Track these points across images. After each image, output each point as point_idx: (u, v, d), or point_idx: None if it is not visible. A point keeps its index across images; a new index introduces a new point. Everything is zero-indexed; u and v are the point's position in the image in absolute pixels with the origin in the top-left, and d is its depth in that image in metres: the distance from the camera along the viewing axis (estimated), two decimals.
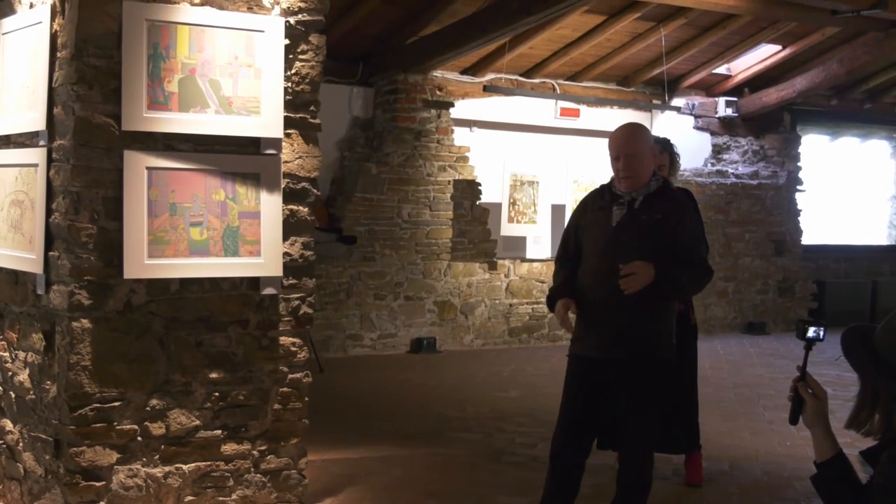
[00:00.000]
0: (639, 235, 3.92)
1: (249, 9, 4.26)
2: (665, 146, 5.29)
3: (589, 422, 4.03)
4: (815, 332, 2.54)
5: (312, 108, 4.47)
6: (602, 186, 4.17)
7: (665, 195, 4.05)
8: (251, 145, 4.30)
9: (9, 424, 4.52)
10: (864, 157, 13.83)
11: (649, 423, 3.98)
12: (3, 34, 4.52)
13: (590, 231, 4.07)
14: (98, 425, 4.05)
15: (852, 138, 13.47)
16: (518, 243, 10.71)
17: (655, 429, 4.03)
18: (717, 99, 11.65)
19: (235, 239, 4.26)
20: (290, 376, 4.46)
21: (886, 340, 2.25)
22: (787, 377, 2.82)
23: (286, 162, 4.40)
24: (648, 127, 10.97)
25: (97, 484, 4.06)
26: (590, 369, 4.00)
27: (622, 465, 4.05)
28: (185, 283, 4.21)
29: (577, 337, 4.09)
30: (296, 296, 4.46)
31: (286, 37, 4.32)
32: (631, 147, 3.99)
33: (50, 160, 4.14)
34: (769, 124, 12.03)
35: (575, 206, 4.41)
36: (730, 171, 11.83)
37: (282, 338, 4.43)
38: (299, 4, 4.38)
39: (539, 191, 10.45)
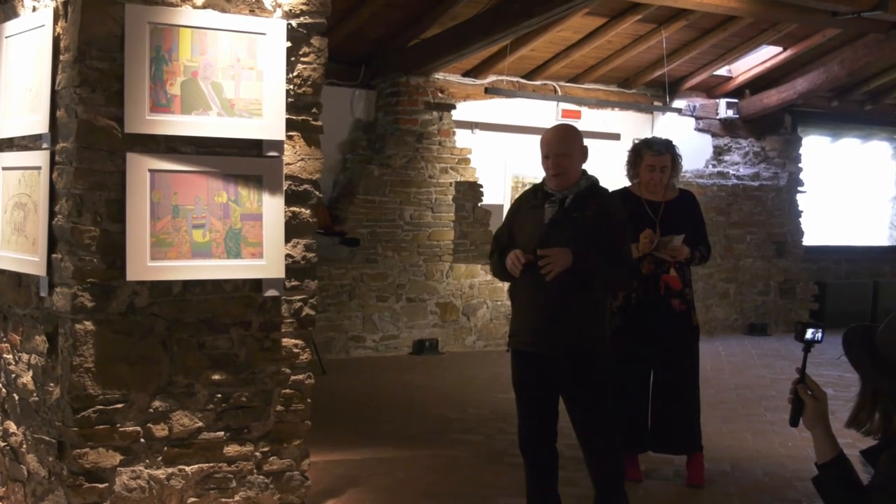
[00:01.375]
0: (570, 231, 4.03)
1: (251, 11, 4.27)
2: (667, 148, 5.32)
3: (544, 410, 4.17)
4: (813, 333, 2.54)
5: (314, 110, 4.48)
6: (535, 186, 4.30)
7: (595, 194, 4.17)
8: (253, 147, 4.31)
9: (12, 426, 4.53)
10: (865, 158, 13.81)
11: (600, 414, 4.08)
12: (6, 37, 4.53)
13: (523, 228, 4.18)
14: (101, 427, 4.06)
15: (853, 140, 13.45)
16: None
17: (610, 418, 4.11)
18: (717, 100, 11.64)
19: (238, 241, 4.27)
20: (293, 378, 4.47)
21: (887, 340, 2.26)
22: (788, 378, 2.83)
23: (288, 164, 4.41)
24: (651, 128, 11.09)
25: (100, 485, 4.07)
26: (529, 362, 4.13)
27: (590, 464, 4.15)
28: (188, 284, 4.22)
29: (513, 331, 4.24)
30: (298, 297, 4.47)
31: (288, 39, 4.33)
32: (561, 147, 4.14)
33: (53, 163, 4.15)
34: (770, 126, 12.02)
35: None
36: (731, 172, 11.83)
37: (284, 339, 4.44)
38: (301, 7, 4.39)
39: None
